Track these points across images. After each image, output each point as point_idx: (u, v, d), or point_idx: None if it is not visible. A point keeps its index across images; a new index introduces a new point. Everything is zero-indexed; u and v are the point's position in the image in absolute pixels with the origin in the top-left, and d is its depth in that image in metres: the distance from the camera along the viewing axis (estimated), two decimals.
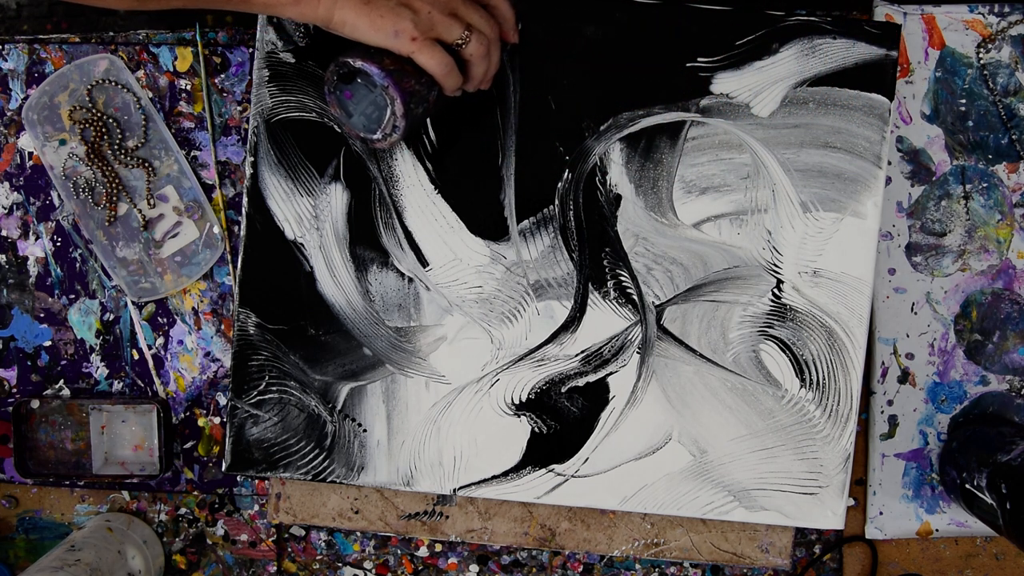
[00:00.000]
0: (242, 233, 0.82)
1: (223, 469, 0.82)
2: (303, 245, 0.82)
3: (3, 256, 0.90)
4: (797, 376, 0.81)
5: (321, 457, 0.82)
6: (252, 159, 0.81)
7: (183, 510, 0.92)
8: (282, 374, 0.82)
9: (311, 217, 0.81)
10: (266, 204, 0.81)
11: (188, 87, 0.88)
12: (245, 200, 0.81)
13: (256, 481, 0.91)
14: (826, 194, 0.80)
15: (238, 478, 0.91)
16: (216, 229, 0.88)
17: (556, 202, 0.81)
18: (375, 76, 0.69)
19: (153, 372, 0.90)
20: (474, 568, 0.92)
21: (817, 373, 0.81)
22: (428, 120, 0.80)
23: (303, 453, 0.82)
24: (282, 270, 0.82)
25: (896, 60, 0.79)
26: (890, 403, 0.87)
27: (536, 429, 0.82)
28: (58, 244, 0.90)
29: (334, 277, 0.82)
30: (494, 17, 0.73)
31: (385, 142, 0.73)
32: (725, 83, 0.80)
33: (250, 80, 0.86)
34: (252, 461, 0.82)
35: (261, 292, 0.82)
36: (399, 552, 0.92)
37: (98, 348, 0.90)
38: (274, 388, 0.82)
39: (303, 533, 0.92)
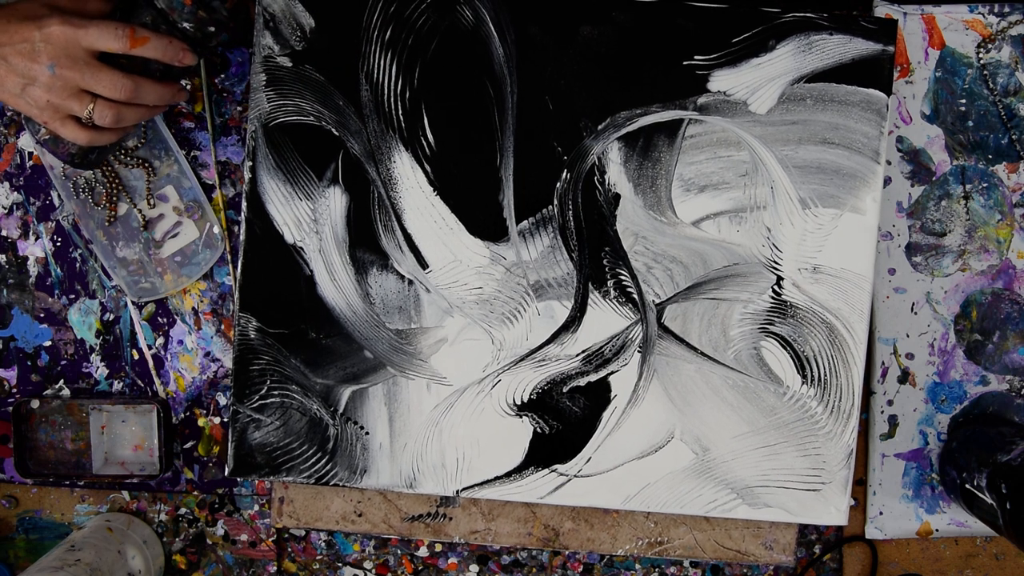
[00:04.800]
0: (241, 238, 0.81)
1: (226, 474, 0.82)
2: (303, 249, 0.81)
3: (3, 256, 0.90)
4: (798, 372, 0.81)
5: (324, 460, 0.82)
6: (250, 163, 0.81)
7: (183, 510, 0.92)
8: (283, 378, 0.82)
9: (310, 221, 0.81)
10: (265, 208, 0.81)
11: (188, 87, 0.88)
12: (244, 205, 0.81)
13: (256, 481, 0.91)
14: (825, 190, 0.80)
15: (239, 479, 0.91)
16: (216, 229, 0.88)
17: (555, 202, 0.81)
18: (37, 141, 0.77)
19: (153, 372, 0.90)
20: (474, 568, 0.92)
21: (818, 369, 0.81)
22: (426, 120, 0.80)
23: (305, 457, 0.82)
24: (282, 274, 0.81)
25: (893, 55, 0.79)
26: (890, 403, 0.87)
27: (538, 429, 0.82)
28: (58, 244, 0.89)
29: (334, 280, 0.81)
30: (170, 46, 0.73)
31: (89, 169, 0.82)
32: (722, 81, 0.80)
33: (249, 81, 0.86)
34: (255, 465, 0.82)
35: (261, 296, 0.82)
36: (399, 552, 0.92)
37: (98, 348, 0.90)
38: (276, 392, 0.82)
39: (303, 533, 0.93)
